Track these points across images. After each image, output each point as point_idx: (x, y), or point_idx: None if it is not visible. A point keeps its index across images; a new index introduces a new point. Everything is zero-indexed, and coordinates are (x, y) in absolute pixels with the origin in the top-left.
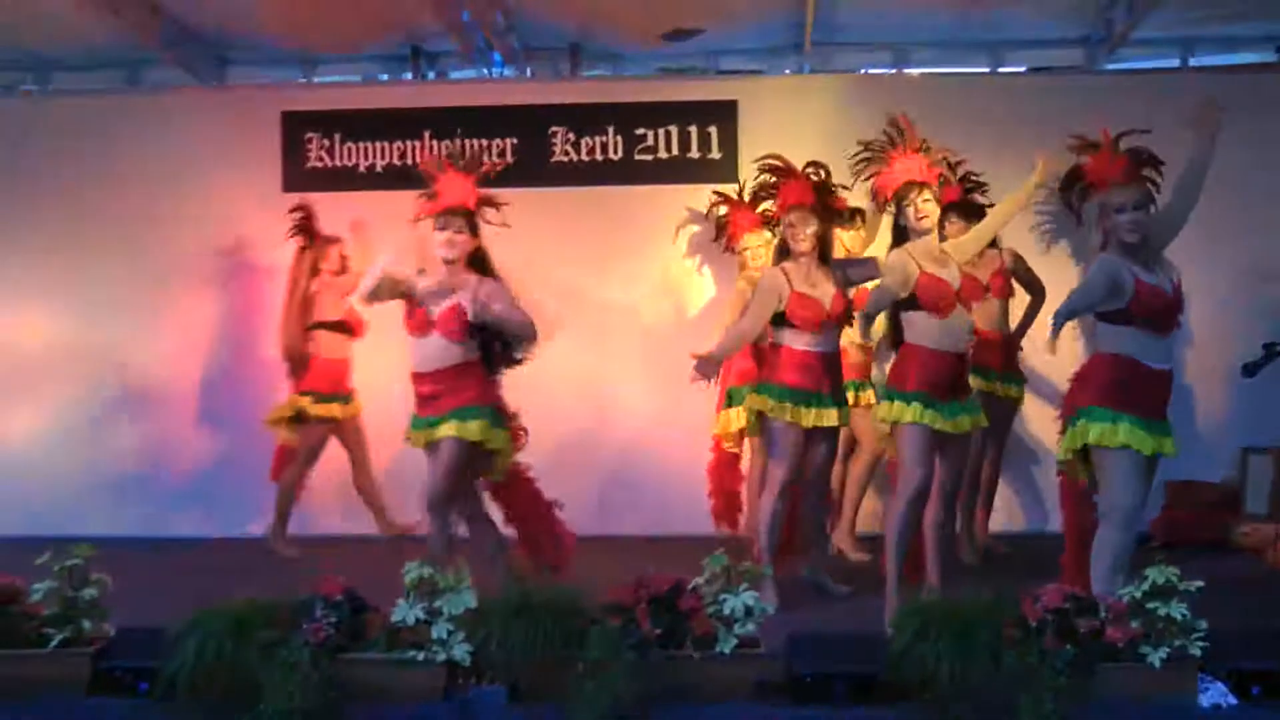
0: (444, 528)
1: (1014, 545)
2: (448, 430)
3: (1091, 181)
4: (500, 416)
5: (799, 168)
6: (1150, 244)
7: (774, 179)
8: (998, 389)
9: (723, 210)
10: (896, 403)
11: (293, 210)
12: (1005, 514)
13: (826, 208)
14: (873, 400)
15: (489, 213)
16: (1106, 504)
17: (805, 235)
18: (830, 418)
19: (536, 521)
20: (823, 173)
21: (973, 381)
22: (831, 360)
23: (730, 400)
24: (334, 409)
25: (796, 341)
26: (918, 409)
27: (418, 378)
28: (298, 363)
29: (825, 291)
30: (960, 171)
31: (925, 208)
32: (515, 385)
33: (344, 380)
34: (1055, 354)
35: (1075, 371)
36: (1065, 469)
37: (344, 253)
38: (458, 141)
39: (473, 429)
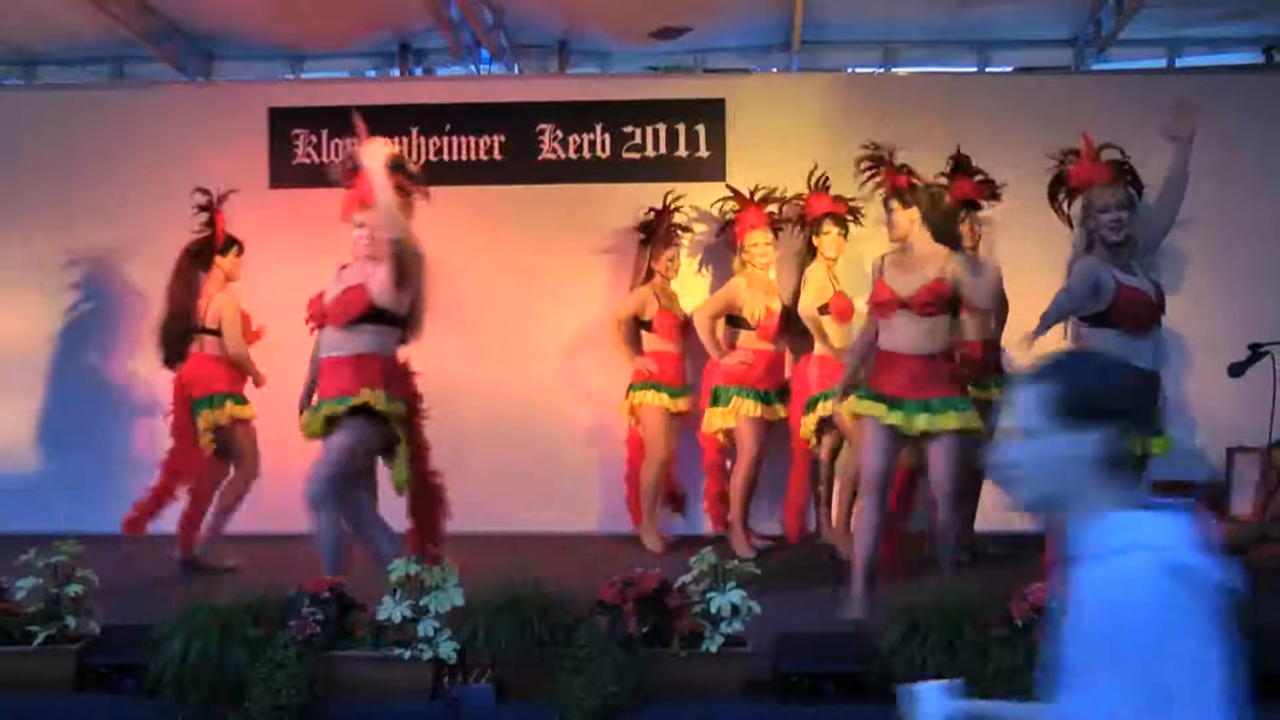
0: None
1: (1002, 545)
2: None
3: (1075, 185)
4: None
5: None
6: (1135, 246)
7: None
8: (993, 394)
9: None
10: (853, 397)
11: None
12: (994, 514)
13: None
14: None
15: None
16: None
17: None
18: None
19: None
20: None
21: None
22: None
23: (715, 399)
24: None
25: None
26: (866, 403)
27: None
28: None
29: None
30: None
31: (892, 218)
32: (507, 383)
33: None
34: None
35: None
36: None
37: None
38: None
39: None
